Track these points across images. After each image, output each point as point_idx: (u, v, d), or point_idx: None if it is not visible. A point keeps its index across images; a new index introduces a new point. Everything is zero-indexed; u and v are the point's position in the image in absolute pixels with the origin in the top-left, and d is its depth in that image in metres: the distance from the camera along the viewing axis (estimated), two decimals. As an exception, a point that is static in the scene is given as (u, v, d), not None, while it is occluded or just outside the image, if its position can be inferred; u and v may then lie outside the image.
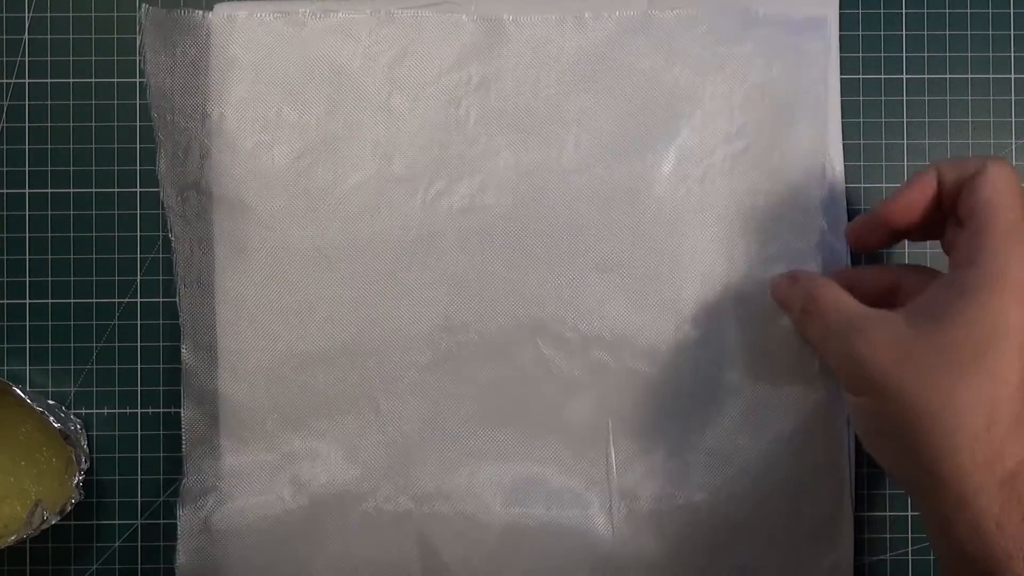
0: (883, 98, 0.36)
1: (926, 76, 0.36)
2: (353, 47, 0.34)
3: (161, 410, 0.36)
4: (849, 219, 0.35)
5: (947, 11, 0.36)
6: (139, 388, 0.36)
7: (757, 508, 0.34)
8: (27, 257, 0.36)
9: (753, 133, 0.34)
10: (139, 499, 0.36)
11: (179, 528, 0.34)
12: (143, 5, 0.34)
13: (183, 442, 0.35)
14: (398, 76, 0.34)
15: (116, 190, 0.36)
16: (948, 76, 0.36)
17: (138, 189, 0.36)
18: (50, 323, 0.36)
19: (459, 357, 0.34)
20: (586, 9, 0.34)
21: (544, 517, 0.34)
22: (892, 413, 0.27)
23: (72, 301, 0.36)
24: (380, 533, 0.34)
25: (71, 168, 0.36)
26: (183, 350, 0.35)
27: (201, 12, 0.34)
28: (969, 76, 0.36)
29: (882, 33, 0.36)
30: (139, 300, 0.36)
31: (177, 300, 0.34)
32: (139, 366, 0.36)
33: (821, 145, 0.34)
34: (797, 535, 0.34)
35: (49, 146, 0.36)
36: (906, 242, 0.36)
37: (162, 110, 0.34)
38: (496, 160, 0.34)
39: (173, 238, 0.34)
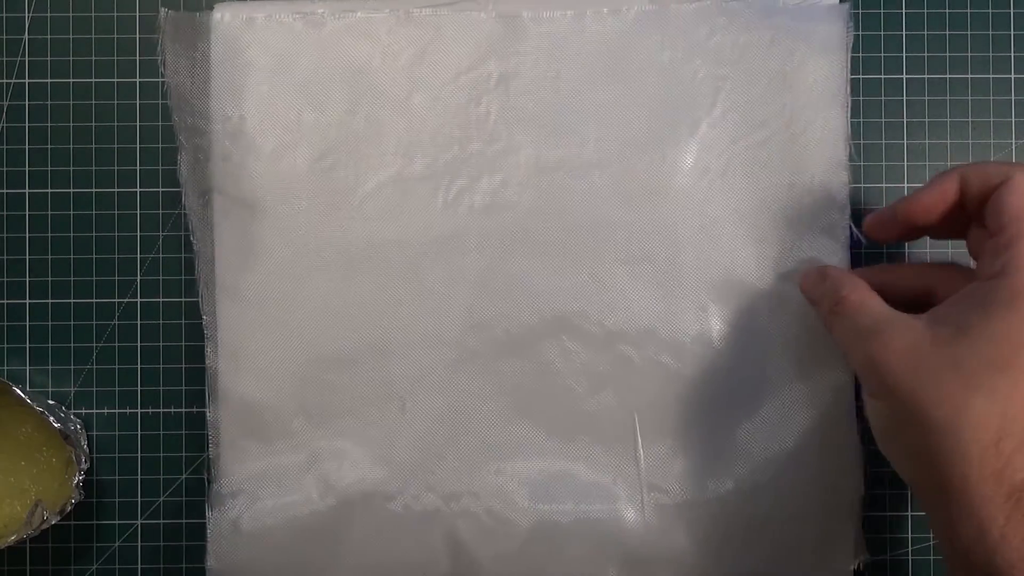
0: (883, 98, 0.36)
1: (926, 76, 0.36)
2: (372, 47, 0.34)
3: (161, 410, 0.36)
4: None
5: (947, 11, 0.36)
6: (139, 388, 0.36)
7: (780, 501, 0.34)
8: (27, 257, 0.36)
9: (775, 124, 0.34)
10: (139, 499, 0.36)
11: (209, 531, 0.34)
12: (162, 8, 0.34)
13: (209, 445, 0.34)
14: (418, 75, 0.34)
15: (116, 190, 0.36)
16: (948, 76, 0.36)
17: (138, 189, 0.36)
18: (50, 323, 0.36)
19: (484, 355, 0.34)
20: (604, 4, 0.34)
21: (573, 512, 0.34)
22: (905, 418, 0.27)
23: (72, 301, 0.36)
24: (409, 532, 0.34)
25: (71, 168, 0.36)
26: (207, 352, 0.34)
27: (220, 14, 0.34)
28: (969, 76, 0.36)
29: (882, 33, 0.36)
30: (139, 300, 0.36)
31: (200, 302, 0.34)
32: (139, 366, 0.36)
33: (844, 134, 0.34)
34: (814, 530, 0.34)
35: (49, 146, 0.36)
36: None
37: (182, 113, 0.34)
38: (517, 157, 0.34)
39: (195, 241, 0.34)
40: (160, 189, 0.36)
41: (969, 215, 0.30)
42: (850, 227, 0.34)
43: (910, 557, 0.36)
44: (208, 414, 0.34)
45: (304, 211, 0.34)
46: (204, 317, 0.34)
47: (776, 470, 0.34)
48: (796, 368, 0.34)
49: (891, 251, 0.36)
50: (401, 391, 0.34)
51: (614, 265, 0.34)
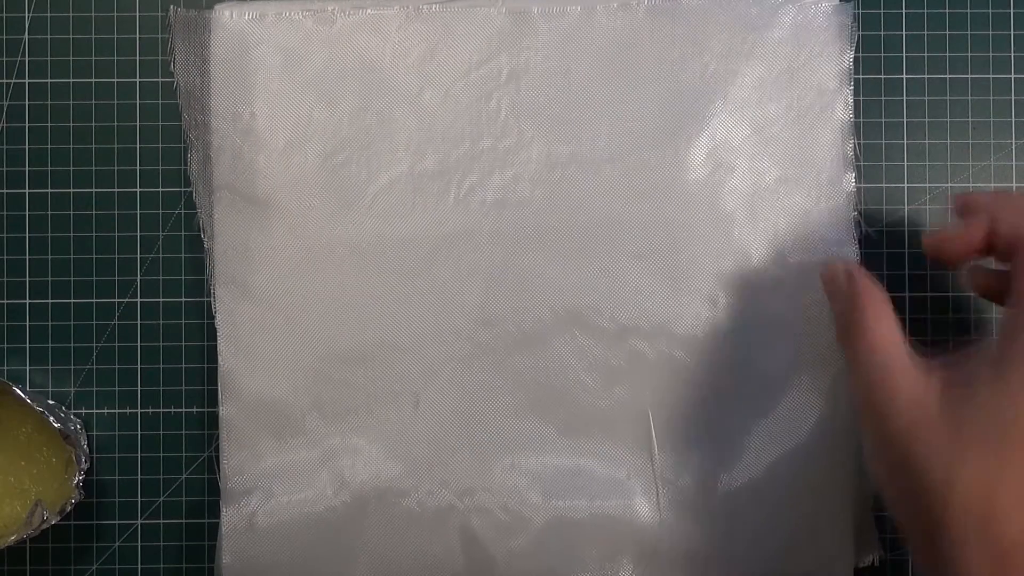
0: (883, 98, 0.36)
1: (926, 76, 0.36)
2: (383, 43, 0.34)
3: (161, 410, 0.36)
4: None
5: (947, 11, 0.36)
6: (139, 388, 0.36)
7: (796, 495, 0.34)
8: (27, 257, 0.36)
9: (784, 119, 0.34)
10: (139, 499, 0.36)
11: (223, 529, 0.34)
12: (171, 6, 0.34)
13: (222, 442, 0.34)
14: (428, 71, 0.34)
15: (116, 190, 0.36)
16: (948, 76, 0.36)
17: (138, 189, 0.36)
18: (50, 323, 0.36)
19: (497, 350, 0.34)
20: None
21: (587, 508, 0.34)
22: (898, 464, 0.27)
23: (72, 301, 0.36)
24: (424, 528, 0.34)
25: (71, 168, 0.36)
26: (220, 350, 0.34)
27: (230, 12, 0.34)
28: (969, 76, 0.36)
29: (882, 33, 0.36)
30: (139, 300, 0.36)
31: (212, 301, 0.34)
32: (139, 366, 0.36)
33: (851, 130, 0.35)
34: (829, 525, 0.34)
35: (49, 146, 0.36)
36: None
37: (192, 110, 0.34)
38: (528, 152, 0.34)
39: (206, 238, 0.34)
40: (160, 189, 0.36)
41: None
42: (860, 221, 0.34)
43: (910, 557, 0.36)
44: (220, 411, 0.34)
45: (315, 208, 0.34)
46: (216, 315, 0.34)
47: (790, 464, 0.34)
48: (809, 362, 0.34)
49: (902, 248, 0.36)
50: (414, 387, 0.34)
51: (626, 260, 0.34)
